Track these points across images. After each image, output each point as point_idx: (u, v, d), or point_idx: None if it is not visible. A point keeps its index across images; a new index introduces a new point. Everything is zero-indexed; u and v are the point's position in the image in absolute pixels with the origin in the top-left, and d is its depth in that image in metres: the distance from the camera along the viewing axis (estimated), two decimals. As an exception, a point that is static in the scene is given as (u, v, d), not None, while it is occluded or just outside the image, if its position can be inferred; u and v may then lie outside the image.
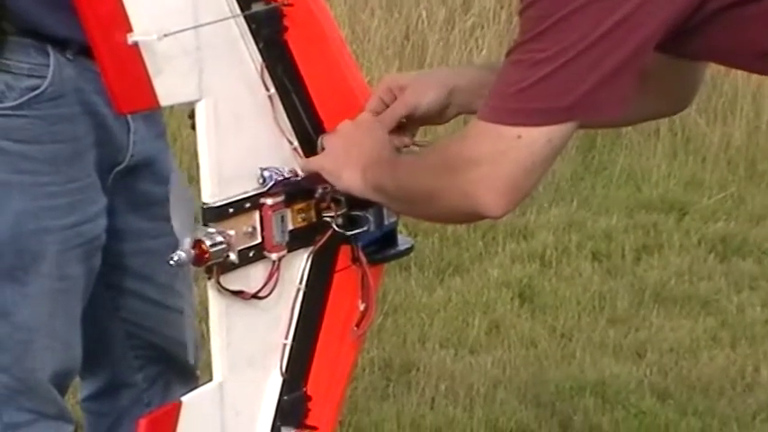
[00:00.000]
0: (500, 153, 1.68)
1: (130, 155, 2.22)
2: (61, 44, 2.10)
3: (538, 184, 1.72)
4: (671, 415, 3.48)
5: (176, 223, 1.76)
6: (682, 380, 3.73)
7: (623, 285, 4.35)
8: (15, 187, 2.10)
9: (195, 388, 1.89)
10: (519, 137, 1.67)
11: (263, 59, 1.82)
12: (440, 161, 1.75)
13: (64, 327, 2.18)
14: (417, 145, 1.98)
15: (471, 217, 1.76)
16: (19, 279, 2.12)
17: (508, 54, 1.70)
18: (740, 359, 3.86)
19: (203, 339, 2.27)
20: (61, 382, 2.22)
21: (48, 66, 2.10)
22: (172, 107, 1.83)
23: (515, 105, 1.67)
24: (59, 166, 2.12)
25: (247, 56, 1.81)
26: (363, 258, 1.93)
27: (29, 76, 2.09)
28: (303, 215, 1.88)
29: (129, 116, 2.18)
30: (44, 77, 2.09)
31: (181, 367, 2.39)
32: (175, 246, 1.76)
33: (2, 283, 2.13)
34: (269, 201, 1.83)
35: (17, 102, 2.09)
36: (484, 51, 5.97)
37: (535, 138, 1.67)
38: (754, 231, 4.90)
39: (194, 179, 1.83)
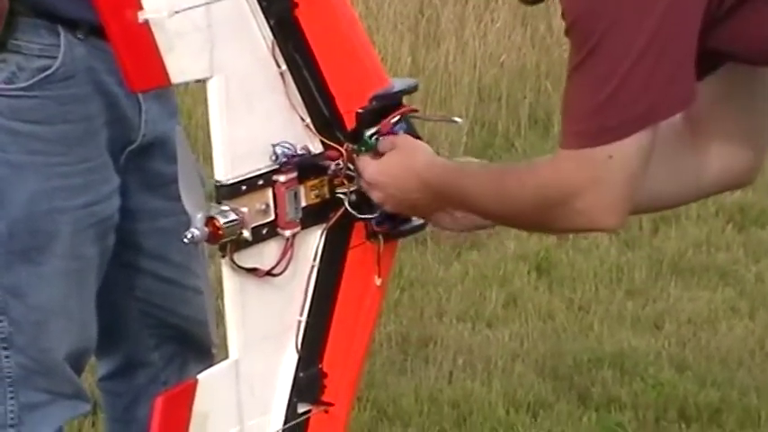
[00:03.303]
0: (598, 180, 1.69)
1: (142, 134, 2.22)
2: (72, 24, 2.09)
3: (642, 184, 1.74)
4: (689, 386, 3.48)
5: (186, 200, 1.76)
6: (700, 350, 3.72)
7: (641, 257, 4.34)
8: (28, 168, 2.10)
9: (211, 366, 1.89)
10: (610, 157, 1.68)
11: (274, 36, 1.81)
12: (539, 198, 1.75)
13: (79, 307, 2.19)
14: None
15: (587, 232, 1.82)
16: (33, 260, 2.13)
17: (570, 75, 1.70)
18: (759, 329, 3.86)
19: (219, 317, 2.27)
20: (77, 362, 2.23)
21: (58, 46, 2.09)
22: (186, 85, 1.83)
23: (595, 126, 1.68)
24: (71, 146, 2.12)
25: (258, 33, 1.81)
26: (374, 229, 1.93)
27: (39, 56, 2.09)
28: (316, 192, 1.88)
29: (140, 95, 2.17)
30: (55, 58, 2.09)
31: (197, 346, 2.40)
32: (187, 225, 1.76)
33: (17, 265, 2.13)
34: (282, 177, 1.82)
35: (28, 83, 2.09)
36: (498, 24, 5.95)
37: (625, 152, 1.68)
38: (772, 201, 4.89)
39: (210, 157, 1.83)
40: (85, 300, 2.19)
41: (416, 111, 1.97)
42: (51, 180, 2.11)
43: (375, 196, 1.89)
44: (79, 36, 2.11)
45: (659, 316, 3.95)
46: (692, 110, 1.85)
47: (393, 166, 1.87)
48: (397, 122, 1.92)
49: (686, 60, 1.67)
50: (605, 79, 1.66)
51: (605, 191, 1.69)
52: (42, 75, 2.09)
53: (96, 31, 2.05)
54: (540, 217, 1.77)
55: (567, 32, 1.70)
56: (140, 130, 2.22)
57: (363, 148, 1.89)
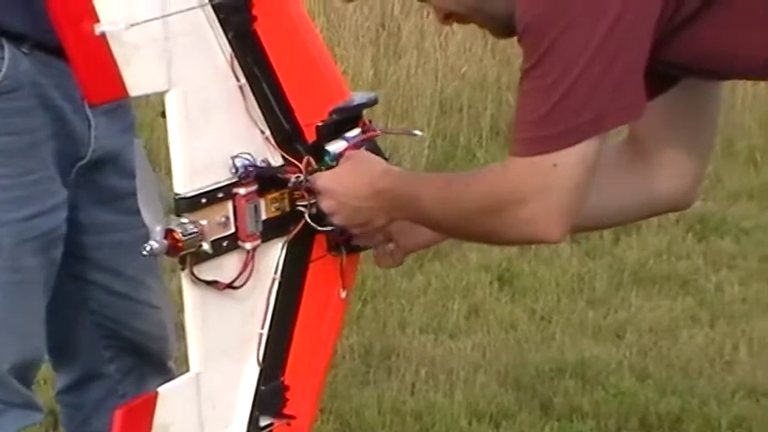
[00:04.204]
0: (543, 188, 1.69)
1: (92, 150, 2.20)
2: (17, 38, 2.08)
3: (587, 197, 1.73)
4: (650, 395, 3.50)
5: (145, 213, 1.76)
6: (661, 360, 3.74)
7: (602, 266, 4.36)
8: None
9: (170, 379, 1.88)
10: (555, 165, 1.68)
11: (233, 49, 1.81)
12: (484, 203, 1.75)
13: (21, 319, 2.16)
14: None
15: (529, 243, 1.80)
16: None
17: (520, 83, 1.71)
18: (719, 338, 3.88)
19: (179, 330, 2.26)
20: (22, 375, 2.20)
21: (2, 59, 2.08)
22: (147, 98, 1.82)
23: (542, 133, 1.68)
24: (13, 158, 2.10)
25: (217, 46, 1.80)
26: (337, 241, 1.93)
27: None
28: (277, 204, 1.87)
29: (88, 111, 2.16)
30: None
31: (155, 359, 2.38)
32: (145, 238, 1.75)
33: None
34: (242, 190, 1.82)
35: None
36: (459, 36, 5.97)
37: (570, 161, 1.68)
38: (731, 210, 4.92)
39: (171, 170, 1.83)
40: (29, 312, 2.17)
41: (378, 135, 1.97)
42: None
43: (326, 205, 1.87)
44: (24, 50, 2.09)
45: (620, 325, 3.97)
46: (642, 130, 1.87)
47: (347, 175, 1.87)
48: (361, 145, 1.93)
49: (634, 72, 1.67)
50: (552, 87, 1.66)
51: (549, 200, 1.69)
52: None
53: (42, 46, 2.04)
54: (484, 224, 1.76)
55: (520, 40, 1.71)
56: (90, 146, 2.20)
57: (323, 168, 1.89)
